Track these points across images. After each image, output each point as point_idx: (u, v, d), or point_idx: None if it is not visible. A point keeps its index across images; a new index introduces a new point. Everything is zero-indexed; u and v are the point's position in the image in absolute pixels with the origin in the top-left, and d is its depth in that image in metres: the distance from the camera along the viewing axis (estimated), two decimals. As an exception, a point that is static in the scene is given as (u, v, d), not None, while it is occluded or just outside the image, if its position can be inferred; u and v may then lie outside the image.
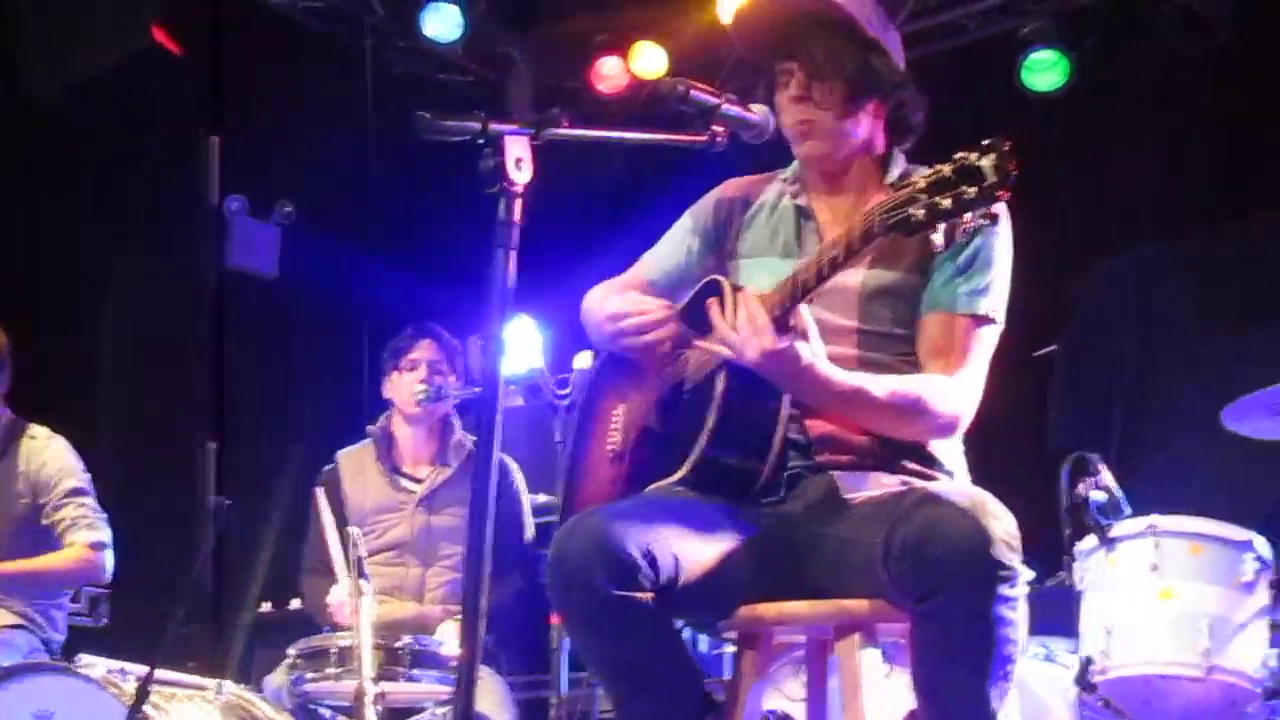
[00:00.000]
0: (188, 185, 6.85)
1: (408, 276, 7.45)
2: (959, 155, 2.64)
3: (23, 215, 6.55)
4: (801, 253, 3.09)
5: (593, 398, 3.37)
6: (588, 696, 5.37)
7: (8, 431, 5.04)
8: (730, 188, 3.32)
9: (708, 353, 2.97)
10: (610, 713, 4.01)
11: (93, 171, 6.80)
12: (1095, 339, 6.75)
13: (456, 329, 5.28)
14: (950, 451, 3.09)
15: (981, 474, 3.13)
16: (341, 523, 4.51)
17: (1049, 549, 4.56)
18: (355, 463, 5.10)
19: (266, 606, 6.06)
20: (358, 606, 4.04)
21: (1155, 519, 4.34)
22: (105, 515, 5.02)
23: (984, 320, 3.02)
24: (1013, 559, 2.73)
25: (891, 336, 3.04)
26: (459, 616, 4.63)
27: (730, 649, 4.57)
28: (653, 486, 3.04)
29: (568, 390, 5.33)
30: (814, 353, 2.86)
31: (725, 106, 2.93)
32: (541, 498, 5.26)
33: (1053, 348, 5.70)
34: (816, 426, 3.02)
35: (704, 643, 5.11)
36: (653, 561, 2.82)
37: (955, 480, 3.06)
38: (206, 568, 3.86)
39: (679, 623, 3.01)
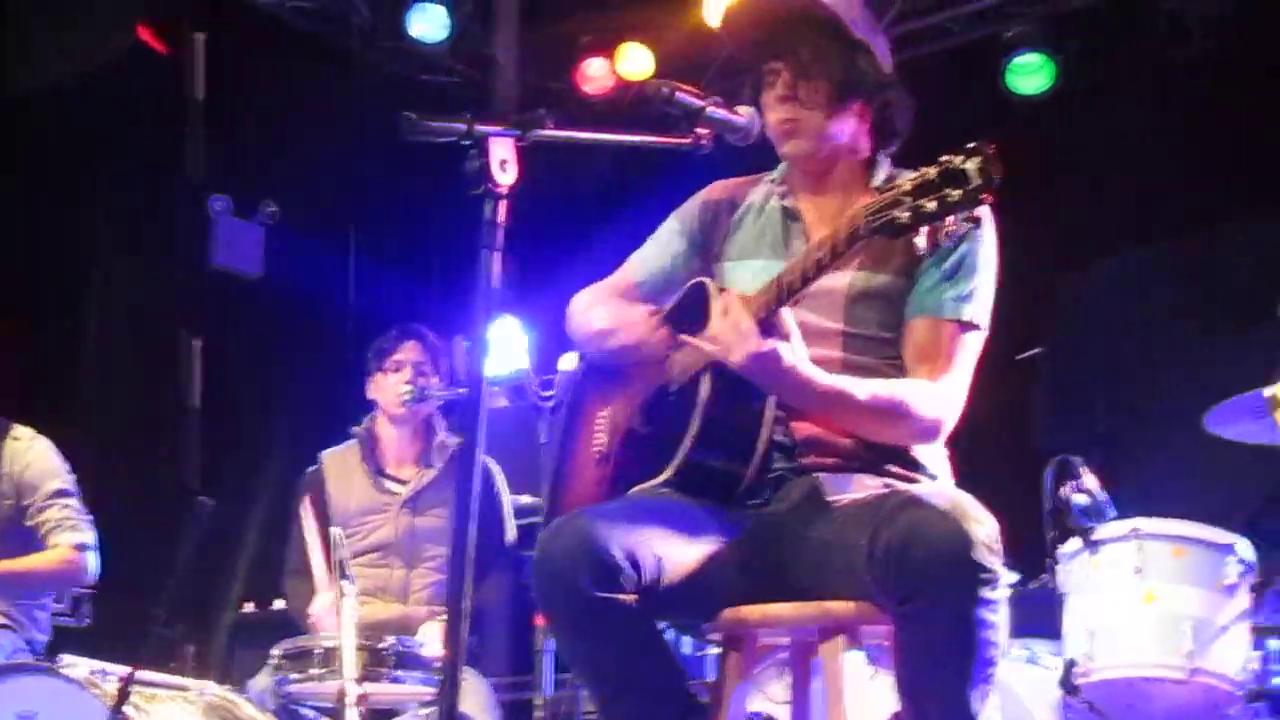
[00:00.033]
0: (172, 185, 6.85)
1: (392, 277, 7.45)
2: (944, 158, 2.65)
3: (4, 214, 6.52)
4: (788, 254, 3.09)
5: (578, 399, 3.36)
6: (572, 698, 5.36)
7: (-9, 432, 5.02)
8: (717, 189, 3.32)
9: (693, 355, 2.98)
10: (594, 714, 4.01)
11: (77, 170, 6.78)
12: (1080, 342, 6.77)
13: (441, 330, 5.28)
14: (934, 454, 3.09)
15: (965, 476, 3.13)
16: (326, 524, 4.50)
17: (1032, 551, 4.57)
18: (340, 464, 5.09)
19: (249, 607, 6.05)
20: (341, 607, 4.04)
21: (1138, 522, 4.36)
22: (90, 517, 5.00)
23: (969, 326, 3.02)
24: (994, 562, 2.73)
25: (877, 340, 3.04)
26: (443, 617, 4.63)
27: (714, 651, 4.57)
28: (638, 488, 3.04)
29: (553, 392, 5.31)
30: (796, 354, 2.87)
31: (710, 109, 2.93)
32: (526, 499, 5.24)
33: (1037, 351, 5.71)
34: (801, 429, 3.03)
35: (688, 645, 5.09)
36: (636, 563, 2.82)
37: (939, 483, 3.07)
38: (189, 568, 3.85)
39: (663, 624, 3.01)
